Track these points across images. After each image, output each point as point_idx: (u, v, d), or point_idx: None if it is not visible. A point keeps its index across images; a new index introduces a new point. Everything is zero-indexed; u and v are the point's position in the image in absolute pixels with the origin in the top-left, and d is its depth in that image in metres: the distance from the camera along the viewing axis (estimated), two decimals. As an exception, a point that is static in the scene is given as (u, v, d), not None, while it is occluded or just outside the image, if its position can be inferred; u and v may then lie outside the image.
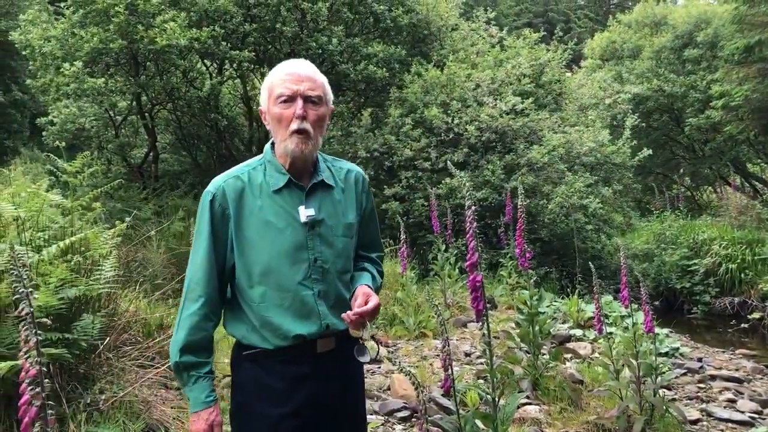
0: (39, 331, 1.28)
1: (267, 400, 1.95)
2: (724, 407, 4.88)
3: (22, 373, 1.25)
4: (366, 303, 1.92)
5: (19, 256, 1.22)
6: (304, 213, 1.96)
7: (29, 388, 1.24)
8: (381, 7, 11.28)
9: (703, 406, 4.93)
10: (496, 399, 2.53)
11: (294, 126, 1.93)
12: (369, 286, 2.03)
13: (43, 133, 11.27)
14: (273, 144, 2.06)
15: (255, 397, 1.97)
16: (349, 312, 1.89)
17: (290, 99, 1.94)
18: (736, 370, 6.20)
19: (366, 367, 5.18)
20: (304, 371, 1.95)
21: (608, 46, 21.17)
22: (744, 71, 12.87)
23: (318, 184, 2.02)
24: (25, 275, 1.24)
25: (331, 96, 2.07)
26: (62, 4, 10.38)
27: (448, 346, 2.31)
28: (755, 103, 12.77)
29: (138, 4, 9.14)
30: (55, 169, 5.61)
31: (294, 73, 1.97)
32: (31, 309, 1.23)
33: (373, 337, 2.06)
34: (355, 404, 2.11)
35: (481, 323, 2.42)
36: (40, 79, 10.14)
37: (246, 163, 2.08)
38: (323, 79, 2.03)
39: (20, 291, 1.22)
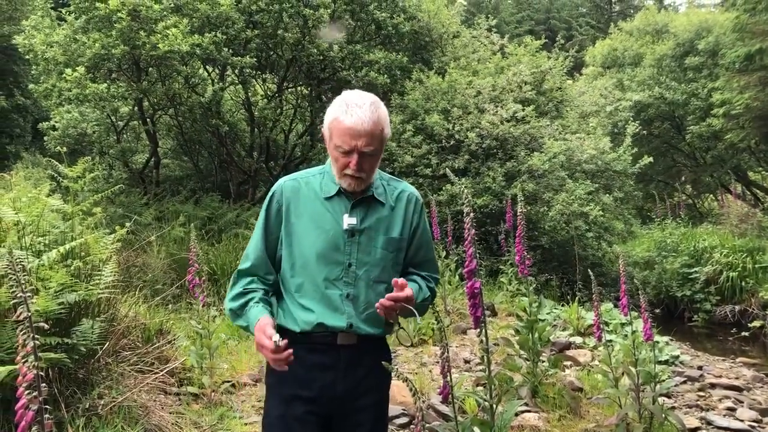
0: (37, 336, 1.29)
1: (288, 383, 2.10)
2: (724, 416, 4.87)
3: (20, 378, 1.25)
4: (402, 290, 2.03)
5: (18, 261, 1.23)
6: (347, 221, 2.12)
7: (26, 392, 1.24)
8: (383, 14, 11.32)
9: (703, 414, 4.91)
10: (494, 406, 2.53)
11: (349, 172, 2.07)
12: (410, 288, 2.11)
13: (45, 138, 11.31)
14: None
15: (278, 380, 2.12)
16: (382, 299, 2.01)
17: (348, 153, 2.05)
18: (736, 378, 6.18)
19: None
20: (325, 361, 2.09)
21: (609, 54, 21.22)
22: (745, 79, 12.89)
23: (366, 198, 2.16)
24: (24, 280, 1.25)
25: (388, 133, 2.13)
26: (65, 10, 10.42)
27: (447, 353, 2.31)
28: (756, 112, 12.80)
29: (140, 10, 9.17)
30: (56, 174, 5.63)
31: (353, 129, 2.02)
32: (29, 314, 1.24)
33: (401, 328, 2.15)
34: (373, 403, 2.17)
35: (479, 330, 2.43)
36: (43, 84, 10.18)
37: (307, 171, 2.27)
38: (381, 127, 2.08)
39: (18, 296, 1.23)
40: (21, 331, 1.24)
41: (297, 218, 2.15)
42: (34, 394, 1.25)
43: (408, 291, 2.03)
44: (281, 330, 2.13)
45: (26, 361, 1.24)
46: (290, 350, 1.93)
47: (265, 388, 2.23)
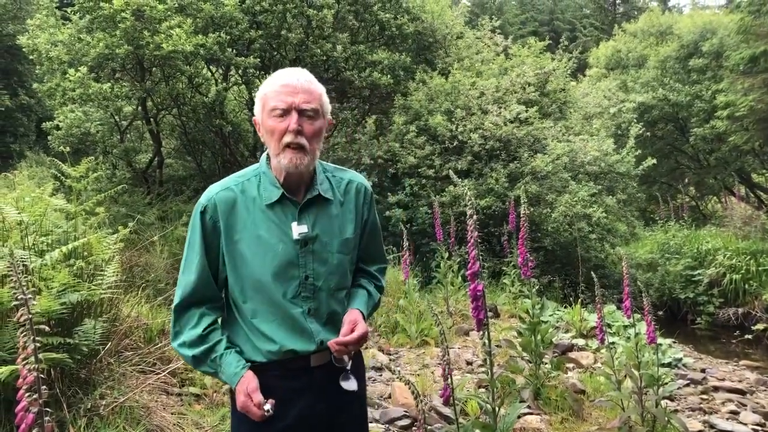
0: (37, 338, 1.29)
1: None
2: (727, 419, 4.85)
3: (20, 380, 1.25)
4: (352, 331, 1.89)
5: (19, 262, 1.22)
6: (297, 230, 1.91)
7: (27, 394, 1.24)
8: (386, 15, 11.31)
9: (706, 417, 4.90)
10: (496, 409, 2.52)
11: (287, 139, 1.86)
12: (360, 311, 1.99)
13: (49, 138, 11.32)
14: (269, 155, 1.99)
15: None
16: (332, 340, 1.87)
17: (285, 112, 1.87)
18: (740, 381, 6.16)
19: (366, 374, 5.17)
20: (299, 385, 1.93)
21: (613, 55, 21.20)
22: (749, 81, 12.86)
23: (313, 198, 1.97)
24: (24, 281, 1.25)
25: (328, 107, 1.99)
26: (69, 10, 10.44)
27: (448, 355, 2.31)
28: (760, 114, 12.76)
29: (144, 10, 9.18)
30: (59, 174, 5.64)
31: (289, 85, 1.88)
32: (30, 316, 1.23)
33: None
34: (354, 418, 2.07)
35: (481, 333, 2.42)
36: (47, 84, 10.19)
37: (241, 173, 2.02)
38: (321, 90, 1.95)
39: (19, 297, 1.22)
40: (22, 333, 1.24)
41: (239, 236, 1.91)
42: (35, 396, 1.24)
43: (361, 329, 1.90)
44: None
45: (27, 363, 1.24)
46: (272, 402, 1.82)
47: (231, 420, 2.04)
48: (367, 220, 2.10)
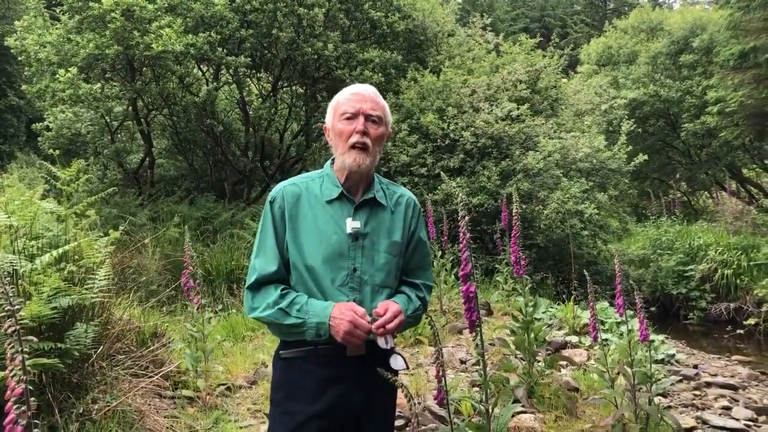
0: (27, 347, 1.27)
1: (298, 399, 2.07)
2: (720, 415, 4.87)
3: (8, 392, 1.24)
4: (384, 313, 2.03)
5: (5, 272, 1.21)
6: (351, 224, 2.11)
7: (15, 407, 1.22)
8: (377, 13, 11.30)
9: (699, 413, 4.91)
10: (490, 410, 2.52)
11: (354, 139, 2.10)
12: (397, 303, 2.11)
13: (39, 139, 11.25)
14: (333, 161, 2.22)
15: (287, 397, 2.10)
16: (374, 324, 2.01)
17: (353, 116, 2.12)
18: (732, 376, 6.19)
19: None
20: (334, 373, 2.07)
21: (604, 52, 21.24)
22: (739, 77, 12.90)
23: (369, 200, 2.17)
24: (11, 292, 1.23)
25: (390, 119, 2.24)
26: (58, 10, 10.37)
27: (442, 357, 2.30)
28: (750, 109, 12.82)
29: (134, 10, 9.13)
30: (49, 177, 5.61)
31: (358, 94, 2.16)
32: (18, 327, 1.22)
33: (392, 349, 2.10)
34: (383, 412, 2.19)
35: (474, 334, 2.41)
36: (36, 85, 10.13)
37: (307, 175, 2.26)
38: (385, 104, 2.21)
39: (6, 309, 1.21)
40: (9, 344, 1.22)
41: (300, 224, 2.12)
42: (23, 408, 1.23)
43: (393, 308, 2.05)
44: (285, 345, 2.13)
45: (15, 375, 1.23)
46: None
47: (269, 404, 2.19)
48: (414, 232, 2.27)
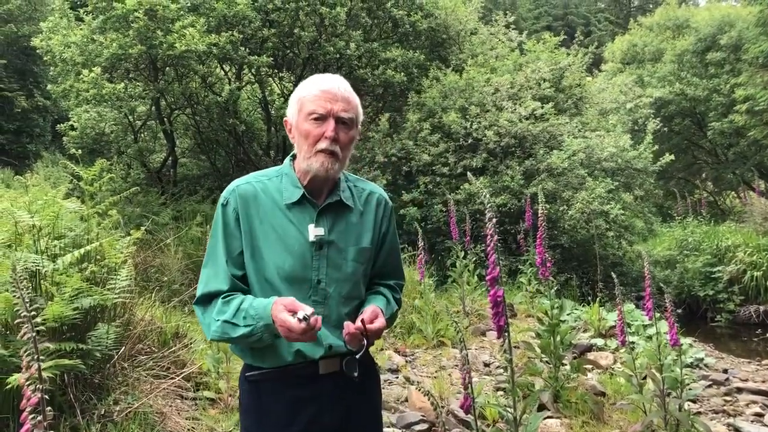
0: (49, 344, 1.24)
1: (268, 424, 1.89)
2: (752, 421, 4.74)
3: (24, 401, 1.19)
4: (372, 321, 1.82)
5: (22, 276, 1.17)
6: (313, 231, 1.88)
7: (30, 416, 1.18)
8: (400, 11, 11.23)
9: (730, 420, 4.79)
10: (518, 417, 2.45)
11: (323, 145, 1.85)
12: (381, 309, 1.92)
13: (64, 139, 11.36)
14: (293, 156, 1.99)
15: (257, 422, 1.91)
16: (350, 323, 1.82)
17: (323, 118, 1.86)
18: (763, 381, 6.03)
19: (383, 377, 5.11)
20: (307, 393, 1.88)
21: (629, 50, 20.98)
22: (769, 75, 12.65)
23: (334, 203, 1.94)
24: (27, 298, 1.19)
25: (361, 117, 1.99)
26: (82, 11, 10.45)
27: (468, 363, 2.24)
28: (780, 108, 12.55)
29: (157, 10, 9.16)
30: (72, 177, 5.63)
31: (329, 92, 1.88)
32: (34, 334, 1.18)
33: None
34: (364, 427, 2.00)
35: (502, 339, 2.34)
36: (61, 85, 10.21)
37: (263, 172, 2.01)
38: (357, 101, 1.96)
39: (22, 315, 1.17)
40: (25, 352, 1.18)
41: (257, 231, 1.89)
42: (39, 418, 1.19)
43: (380, 322, 1.84)
44: (250, 370, 1.92)
45: (30, 383, 1.18)
46: (318, 317, 1.70)
47: (240, 429, 1.99)
48: (386, 233, 2.06)
